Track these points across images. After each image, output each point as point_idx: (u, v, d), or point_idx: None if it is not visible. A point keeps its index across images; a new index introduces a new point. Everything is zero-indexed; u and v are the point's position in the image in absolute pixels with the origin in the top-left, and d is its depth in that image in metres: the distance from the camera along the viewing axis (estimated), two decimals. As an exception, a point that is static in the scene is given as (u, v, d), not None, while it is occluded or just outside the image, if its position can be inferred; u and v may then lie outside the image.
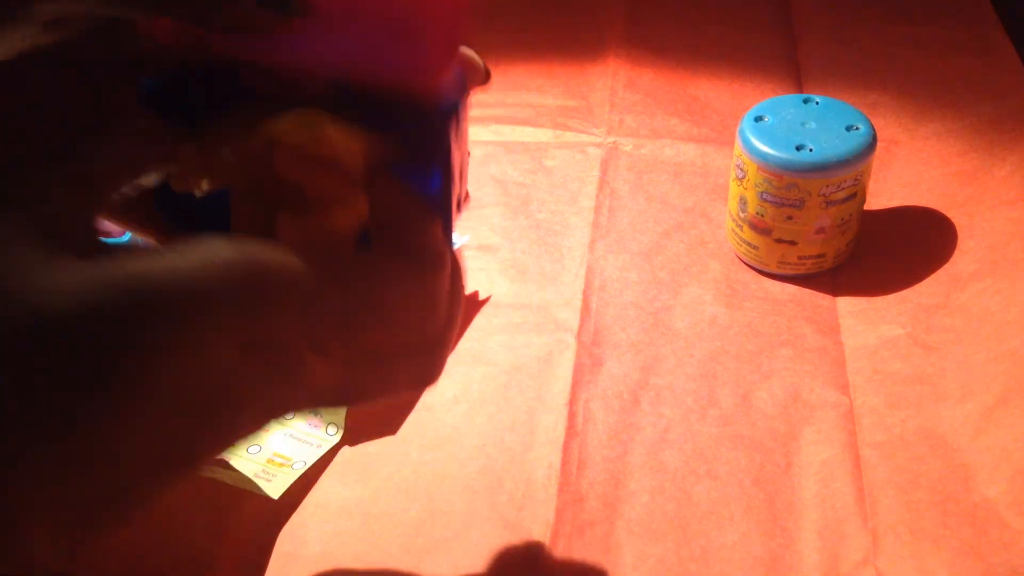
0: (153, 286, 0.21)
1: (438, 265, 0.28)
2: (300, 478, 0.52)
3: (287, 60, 0.27)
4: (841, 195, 0.60)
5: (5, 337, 0.19)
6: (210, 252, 0.22)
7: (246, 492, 0.52)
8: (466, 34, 0.30)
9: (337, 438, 0.55)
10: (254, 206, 0.27)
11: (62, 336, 0.20)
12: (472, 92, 0.32)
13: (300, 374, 0.25)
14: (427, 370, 0.30)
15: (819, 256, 0.63)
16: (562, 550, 0.50)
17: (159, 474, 0.22)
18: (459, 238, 0.64)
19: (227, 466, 0.49)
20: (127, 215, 0.30)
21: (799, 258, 0.63)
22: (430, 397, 0.58)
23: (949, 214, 0.67)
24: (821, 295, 0.63)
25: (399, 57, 0.27)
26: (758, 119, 0.62)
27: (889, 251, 0.66)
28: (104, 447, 0.21)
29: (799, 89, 0.81)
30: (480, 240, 0.68)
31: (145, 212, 0.29)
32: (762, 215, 0.62)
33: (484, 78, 0.33)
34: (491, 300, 0.63)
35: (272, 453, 0.55)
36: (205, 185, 0.28)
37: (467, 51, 0.32)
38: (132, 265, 0.21)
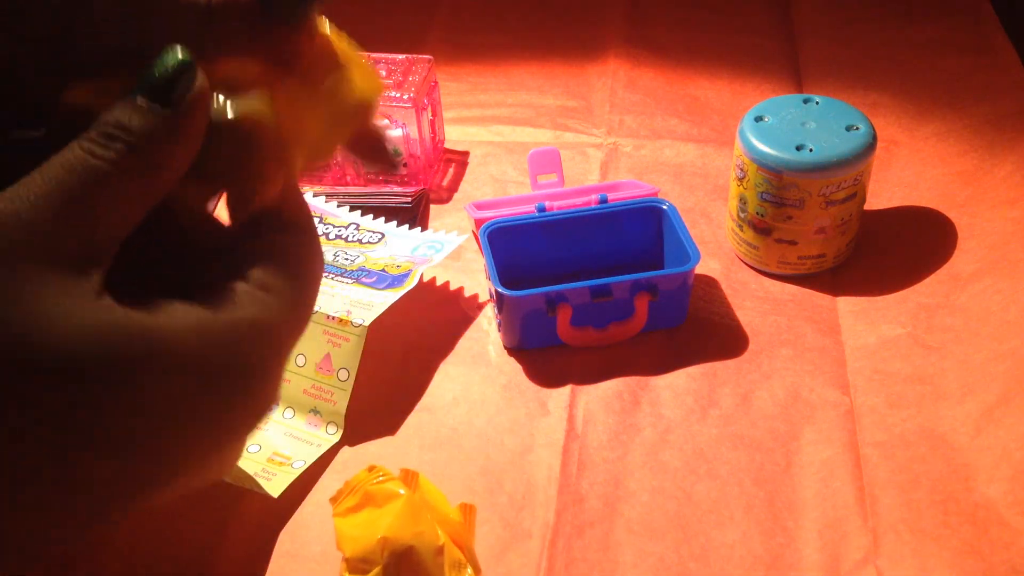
0: (144, 346, 0.22)
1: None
2: (300, 477, 0.52)
3: None
4: (841, 195, 0.60)
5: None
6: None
7: (246, 491, 0.52)
8: None
9: (337, 437, 0.55)
10: None
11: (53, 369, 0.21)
12: None
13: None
14: None
15: (819, 256, 0.63)
16: (562, 549, 0.50)
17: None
18: (456, 238, 0.64)
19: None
20: None
21: (799, 258, 0.63)
22: (430, 398, 0.58)
23: (949, 214, 0.67)
24: (821, 295, 0.63)
25: None
26: (758, 119, 0.62)
27: (889, 251, 0.66)
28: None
29: (799, 89, 0.81)
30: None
31: None
32: (762, 215, 0.62)
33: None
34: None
35: (272, 452, 0.55)
36: None
37: None
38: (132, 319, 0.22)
